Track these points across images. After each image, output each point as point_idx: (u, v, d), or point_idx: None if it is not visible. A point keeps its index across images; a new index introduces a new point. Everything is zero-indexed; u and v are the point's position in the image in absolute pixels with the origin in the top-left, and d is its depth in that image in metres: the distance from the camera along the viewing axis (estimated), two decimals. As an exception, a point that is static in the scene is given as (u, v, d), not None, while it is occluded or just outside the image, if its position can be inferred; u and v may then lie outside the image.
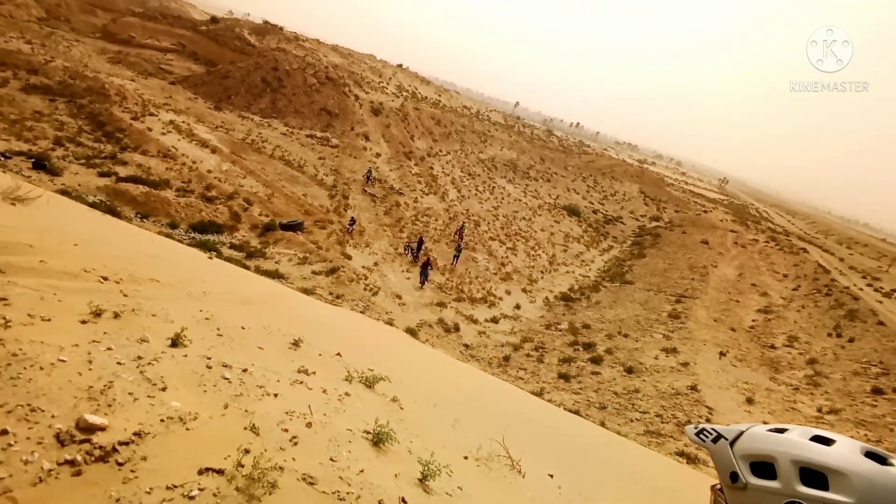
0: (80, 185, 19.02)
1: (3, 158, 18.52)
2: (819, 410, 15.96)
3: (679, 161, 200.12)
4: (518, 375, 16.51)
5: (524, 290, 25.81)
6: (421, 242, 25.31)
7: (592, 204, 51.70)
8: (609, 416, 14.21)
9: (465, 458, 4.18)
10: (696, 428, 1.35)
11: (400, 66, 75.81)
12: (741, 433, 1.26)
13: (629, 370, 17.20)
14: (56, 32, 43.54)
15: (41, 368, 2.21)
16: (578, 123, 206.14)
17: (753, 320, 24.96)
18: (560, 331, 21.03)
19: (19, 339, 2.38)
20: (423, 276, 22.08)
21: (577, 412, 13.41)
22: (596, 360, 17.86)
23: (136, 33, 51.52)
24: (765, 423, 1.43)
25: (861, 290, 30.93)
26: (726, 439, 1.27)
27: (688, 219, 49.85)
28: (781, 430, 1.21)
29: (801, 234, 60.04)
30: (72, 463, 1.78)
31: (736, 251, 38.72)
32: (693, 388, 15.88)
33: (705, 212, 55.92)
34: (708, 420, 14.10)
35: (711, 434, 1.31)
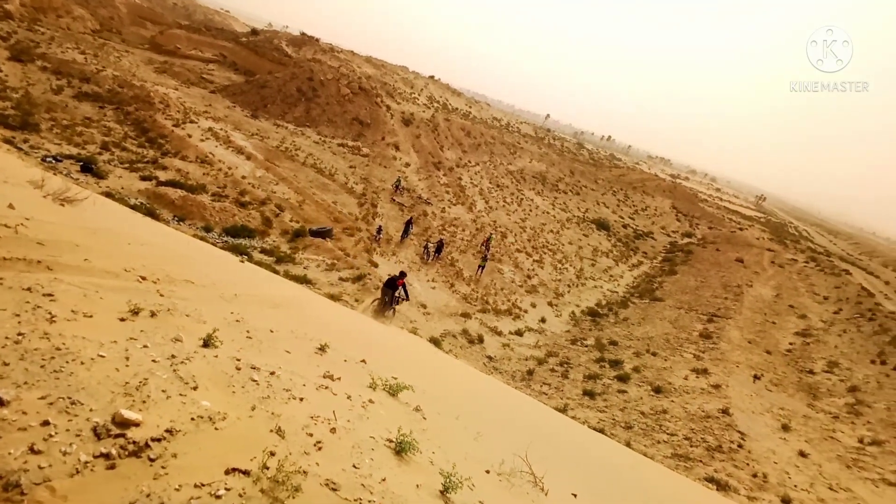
0: (122, 188, 19.86)
1: (54, 161, 19.54)
2: (861, 441, 15.12)
3: (714, 177, 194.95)
4: (542, 390, 16.24)
5: (550, 304, 25.49)
6: (441, 245, 25.57)
7: (622, 218, 50.83)
8: (635, 436, 13.80)
9: (487, 472, 4.12)
10: None
11: (431, 77, 76.75)
12: None
13: (657, 390, 16.71)
14: (108, 44, 45.87)
15: (82, 363, 2.30)
16: (610, 136, 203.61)
17: (791, 343, 23.94)
18: (586, 346, 20.64)
19: (63, 333, 2.49)
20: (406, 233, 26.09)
21: (601, 431, 13.08)
22: (623, 378, 17.43)
23: (181, 45, 53.81)
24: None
25: (909, 315, 29.29)
26: None
27: (722, 236, 48.42)
28: None
29: (843, 255, 57.41)
30: (107, 456, 1.83)
31: (773, 271, 37.33)
32: (724, 411, 15.28)
33: (741, 229, 54.19)
34: (740, 446, 13.53)
35: None
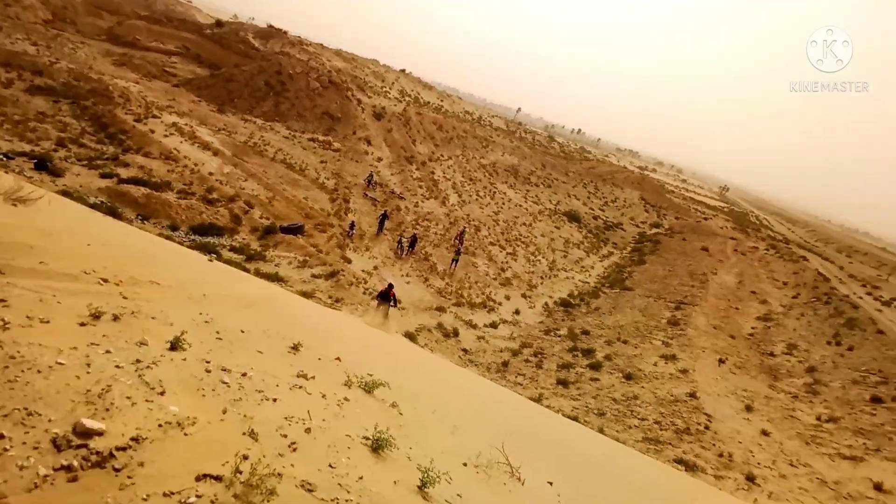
0: (81, 186, 19.03)
1: (5, 159, 18.55)
2: (818, 419, 15.89)
3: (680, 168, 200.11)
4: (517, 381, 16.45)
5: (524, 296, 25.77)
6: (415, 240, 25.55)
7: (593, 210, 51.71)
8: (608, 422, 14.14)
9: (465, 464, 4.16)
10: None
11: (403, 71, 76.07)
12: None
13: (628, 377, 17.14)
14: (62, 34, 43.69)
15: (39, 371, 2.20)
16: (580, 130, 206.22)
17: (753, 328, 24.90)
18: (559, 336, 20.98)
19: (17, 341, 2.37)
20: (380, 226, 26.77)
21: (575, 418, 13.35)
22: (595, 367, 17.80)
23: (141, 36, 51.70)
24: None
25: (861, 298, 30.87)
26: None
27: (688, 226, 49.82)
28: None
29: (801, 242, 59.99)
30: (68, 468, 1.76)
31: (736, 258, 38.69)
32: (692, 395, 15.82)
33: (706, 219, 55.89)
34: (707, 427, 14.04)
35: None
